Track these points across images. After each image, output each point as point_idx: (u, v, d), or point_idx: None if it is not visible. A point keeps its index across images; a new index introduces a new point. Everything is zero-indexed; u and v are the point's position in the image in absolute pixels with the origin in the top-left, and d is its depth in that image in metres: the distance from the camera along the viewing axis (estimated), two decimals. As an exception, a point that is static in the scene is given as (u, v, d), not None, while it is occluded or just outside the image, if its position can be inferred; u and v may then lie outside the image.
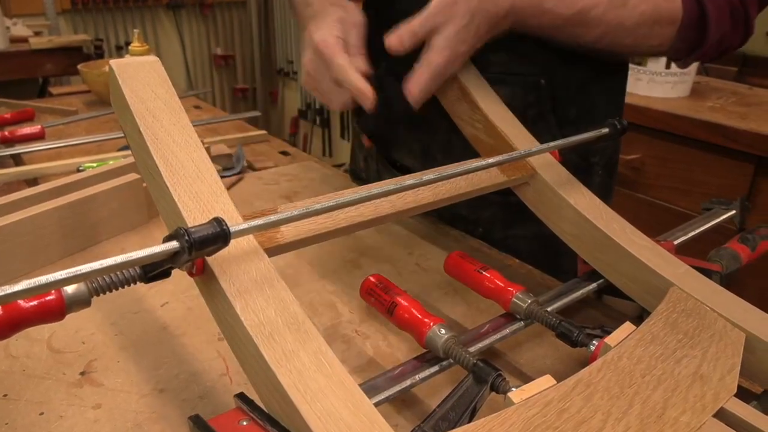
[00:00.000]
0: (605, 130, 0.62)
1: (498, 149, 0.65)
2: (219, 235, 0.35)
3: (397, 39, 0.62)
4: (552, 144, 0.61)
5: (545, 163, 0.65)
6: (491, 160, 0.54)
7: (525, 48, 0.77)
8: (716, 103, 1.58)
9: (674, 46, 0.72)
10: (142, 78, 0.50)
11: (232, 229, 0.37)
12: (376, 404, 0.46)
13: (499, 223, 0.88)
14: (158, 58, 0.51)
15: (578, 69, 0.81)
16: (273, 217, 0.40)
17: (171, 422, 0.50)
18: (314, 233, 0.48)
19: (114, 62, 0.49)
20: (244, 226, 0.38)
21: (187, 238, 0.34)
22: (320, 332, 0.62)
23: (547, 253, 0.78)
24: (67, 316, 0.61)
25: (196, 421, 0.40)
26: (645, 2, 0.68)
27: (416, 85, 0.64)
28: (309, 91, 0.66)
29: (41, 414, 0.50)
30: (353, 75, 0.64)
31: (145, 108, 0.48)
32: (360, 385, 0.47)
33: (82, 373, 0.55)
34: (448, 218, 0.89)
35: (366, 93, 0.64)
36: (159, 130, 0.48)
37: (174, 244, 0.35)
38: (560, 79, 0.80)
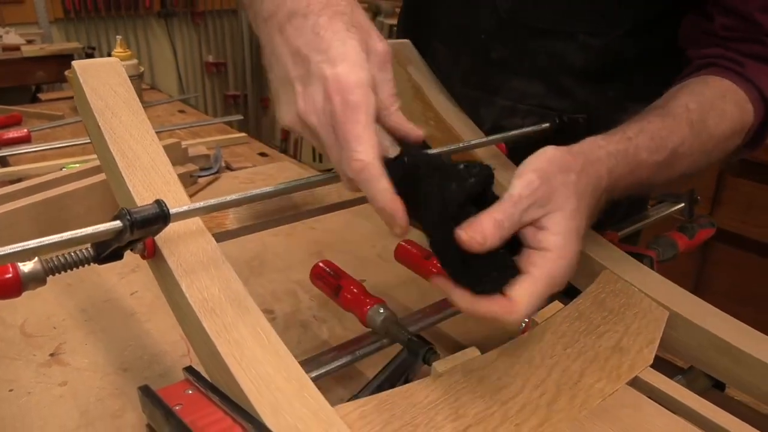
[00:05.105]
0: (546, 125, 0.66)
1: (448, 143, 0.69)
2: (159, 216, 0.39)
3: (479, 235, 0.40)
4: (496, 137, 0.64)
5: (492, 156, 0.68)
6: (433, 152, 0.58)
7: (564, 82, 0.71)
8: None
9: (739, 149, 0.65)
10: (103, 77, 0.53)
11: (173, 211, 0.40)
12: (318, 377, 0.50)
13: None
14: (119, 59, 0.55)
15: (625, 110, 0.67)
16: (212, 201, 0.43)
17: (131, 398, 0.54)
18: (261, 220, 0.52)
19: (76, 63, 0.53)
20: (185, 208, 0.42)
21: (129, 217, 0.38)
22: (280, 318, 0.66)
23: None
24: (41, 304, 0.66)
25: (145, 390, 0.43)
26: (723, 120, 0.59)
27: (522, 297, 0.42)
28: (292, 130, 0.44)
29: (11, 391, 0.54)
30: (383, 194, 0.40)
31: (105, 105, 0.52)
32: (304, 359, 0.51)
33: (51, 355, 0.59)
34: None
35: (399, 217, 0.41)
36: (117, 125, 0.51)
37: (117, 224, 0.38)
38: (603, 120, 0.63)
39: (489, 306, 0.41)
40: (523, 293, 0.41)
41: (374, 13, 2.92)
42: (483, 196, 0.43)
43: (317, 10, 0.43)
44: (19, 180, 1.06)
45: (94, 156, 1.16)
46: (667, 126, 0.56)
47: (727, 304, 0.56)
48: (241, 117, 1.48)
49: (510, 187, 0.44)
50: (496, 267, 0.42)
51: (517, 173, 0.45)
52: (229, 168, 1.15)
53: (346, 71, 0.41)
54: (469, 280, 0.42)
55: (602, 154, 0.51)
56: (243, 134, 1.34)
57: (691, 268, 1.66)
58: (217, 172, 1.09)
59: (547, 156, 0.47)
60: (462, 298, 0.42)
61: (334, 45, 0.42)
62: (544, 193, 0.45)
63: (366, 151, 0.40)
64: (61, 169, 1.05)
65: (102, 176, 0.86)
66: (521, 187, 0.44)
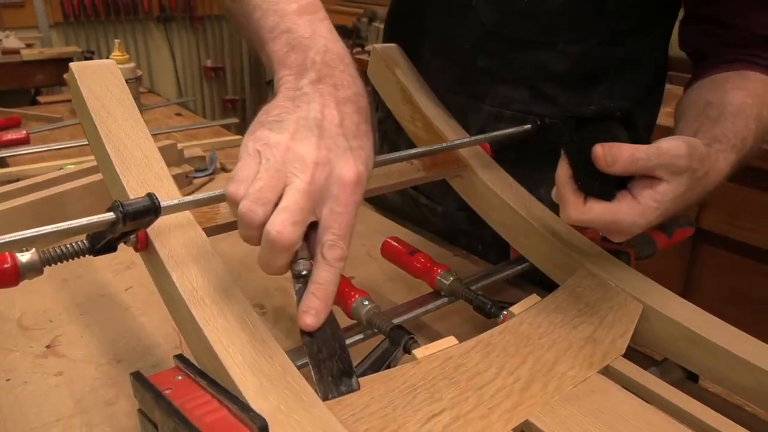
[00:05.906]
0: (527, 126, 0.68)
1: (433, 144, 0.71)
2: (150, 208, 0.41)
3: (610, 157, 0.49)
4: (479, 137, 0.67)
5: (477, 156, 0.70)
6: (413, 151, 0.60)
7: (548, 88, 0.75)
8: (674, 108, 1.65)
9: None
10: (99, 78, 0.56)
11: (164, 203, 0.43)
12: (304, 365, 0.51)
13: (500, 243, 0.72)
14: (114, 62, 0.57)
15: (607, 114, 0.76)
16: (202, 195, 0.45)
17: (124, 387, 0.55)
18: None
19: (73, 65, 0.55)
20: (176, 201, 0.44)
21: (121, 209, 0.40)
22: (270, 312, 0.68)
23: None
24: (38, 298, 0.68)
25: (137, 376, 0.45)
26: None
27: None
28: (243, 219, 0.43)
29: (8, 380, 0.56)
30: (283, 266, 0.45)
31: (101, 104, 0.54)
32: (291, 349, 0.53)
33: (47, 346, 0.61)
34: (450, 235, 0.88)
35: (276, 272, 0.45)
36: (112, 124, 0.53)
37: (111, 215, 0.40)
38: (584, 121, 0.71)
39: (569, 194, 0.51)
40: (596, 209, 0.50)
41: (369, 18, 2.95)
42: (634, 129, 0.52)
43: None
44: (17, 180, 1.09)
45: (91, 157, 1.18)
46: (745, 125, 0.60)
47: (721, 307, 0.57)
48: (237, 120, 1.50)
49: (663, 140, 0.51)
50: (603, 181, 0.50)
51: (671, 138, 0.51)
52: (224, 169, 1.17)
53: (364, 179, 0.46)
54: (577, 176, 0.51)
55: (724, 165, 0.57)
56: (239, 137, 1.36)
57: (680, 270, 1.68)
58: (212, 174, 1.11)
59: (697, 142, 0.53)
60: (564, 178, 0.51)
61: (368, 146, 0.47)
62: (680, 165, 0.50)
63: (297, 233, 0.42)
64: (59, 170, 1.08)
65: (99, 176, 0.88)
66: (674, 146, 0.50)
